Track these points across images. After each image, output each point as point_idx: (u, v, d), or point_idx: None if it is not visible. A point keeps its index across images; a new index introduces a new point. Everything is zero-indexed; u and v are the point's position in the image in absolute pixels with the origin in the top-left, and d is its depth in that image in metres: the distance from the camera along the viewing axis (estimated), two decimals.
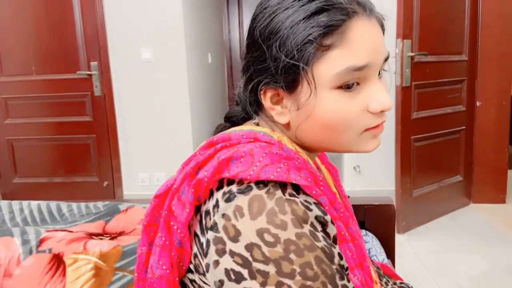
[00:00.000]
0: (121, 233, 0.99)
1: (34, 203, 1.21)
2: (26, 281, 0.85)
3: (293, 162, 0.47)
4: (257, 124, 0.55)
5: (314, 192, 0.45)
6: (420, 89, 2.21)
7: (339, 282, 0.43)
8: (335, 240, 0.46)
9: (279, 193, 0.43)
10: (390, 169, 2.47)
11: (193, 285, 0.50)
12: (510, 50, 2.51)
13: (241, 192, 0.44)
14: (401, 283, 0.79)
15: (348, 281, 0.45)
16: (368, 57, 0.46)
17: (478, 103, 2.54)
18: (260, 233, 0.41)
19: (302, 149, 0.54)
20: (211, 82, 3.48)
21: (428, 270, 1.89)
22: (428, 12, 2.16)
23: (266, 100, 0.51)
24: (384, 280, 0.76)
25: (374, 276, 0.61)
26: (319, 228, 0.44)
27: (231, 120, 0.60)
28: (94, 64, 2.62)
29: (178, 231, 0.48)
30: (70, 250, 0.91)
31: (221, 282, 0.43)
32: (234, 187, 0.45)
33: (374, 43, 0.47)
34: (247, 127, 0.54)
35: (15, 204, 1.19)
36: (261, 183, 0.44)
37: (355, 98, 0.47)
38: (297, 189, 0.45)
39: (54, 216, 1.17)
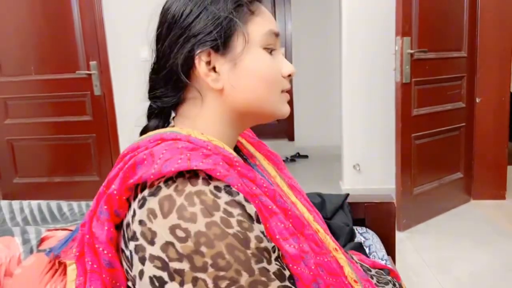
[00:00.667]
0: None
1: (34, 203, 1.21)
2: (27, 281, 0.85)
3: (200, 151, 0.47)
4: (173, 127, 0.56)
5: (218, 174, 0.45)
6: (420, 86, 2.21)
7: (256, 266, 0.43)
8: (257, 218, 0.46)
9: (188, 188, 0.43)
10: (390, 167, 2.47)
11: None
12: (509, 46, 2.50)
13: (152, 194, 0.44)
14: (378, 270, 0.78)
15: (269, 264, 0.44)
16: (277, 28, 0.57)
17: (477, 100, 2.54)
18: (172, 230, 0.42)
19: (231, 124, 0.56)
20: None
21: (429, 267, 1.89)
22: (427, 9, 2.16)
23: (201, 66, 0.53)
24: (374, 271, 0.76)
25: (333, 243, 0.61)
26: (235, 212, 0.44)
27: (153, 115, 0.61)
28: (93, 63, 2.62)
29: (105, 251, 0.47)
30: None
31: None
32: (146, 192, 0.45)
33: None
34: (153, 132, 0.54)
35: (16, 203, 1.19)
36: (170, 180, 0.44)
37: (274, 61, 0.56)
38: (209, 177, 0.45)
39: (54, 215, 1.17)
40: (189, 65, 0.53)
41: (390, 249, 1.24)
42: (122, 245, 0.47)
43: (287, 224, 0.50)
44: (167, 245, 0.41)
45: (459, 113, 2.48)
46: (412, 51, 2.10)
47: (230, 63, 0.53)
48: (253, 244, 0.43)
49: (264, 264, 0.43)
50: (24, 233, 0.94)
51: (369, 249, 1.12)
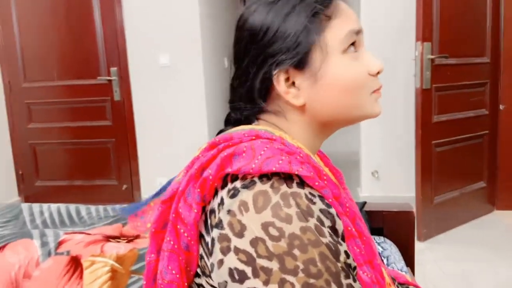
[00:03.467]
0: (137, 236, 1.00)
1: (54, 206, 1.23)
2: (45, 283, 0.86)
3: (295, 156, 0.47)
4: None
5: (316, 183, 0.44)
6: (441, 92, 2.16)
7: (344, 281, 0.42)
8: (343, 237, 0.45)
9: (284, 187, 0.43)
10: (410, 175, 2.41)
11: None
12: None
13: (245, 187, 0.44)
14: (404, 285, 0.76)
15: (355, 281, 0.43)
16: (359, 24, 0.54)
17: (501, 107, 2.47)
18: (265, 226, 0.41)
19: (316, 134, 0.56)
20: (227, 87, 3.49)
21: (449, 279, 1.83)
22: (448, 14, 2.11)
23: (280, 85, 0.52)
24: (397, 284, 0.74)
25: (387, 277, 0.59)
26: (326, 224, 0.43)
27: (231, 123, 0.60)
28: (113, 69, 2.67)
29: (185, 234, 0.47)
30: (87, 252, 0.92)
31: (226, 282, 0.43)
32: (238, 183, 0.45)
33: (355, 14, 0.55)
34: (248, 127, 0.54)
35: (36, 206, 1.21)
36: (265, 177, 0.44)
37: (359, 60, 0.53)
38: (302, 182, 0.45)
39: (73, 218, 1.19)
40: (268, 85, 0.52)
41: (409, 260, 1.21)
42: (203, 231, 0.47)
43: (362, 250, 0.49)
44: (256, 240, 0.41)
45: (482, 120, 2.41)
46: (432, 57, 2.06)
47: (310, 78, 0.51)
48: (342, 258, 0.43)
49: (351, 281, 0.42)
50: (43, 236, 0.96)
51: (388, 260, 1.09)
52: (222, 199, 0.45)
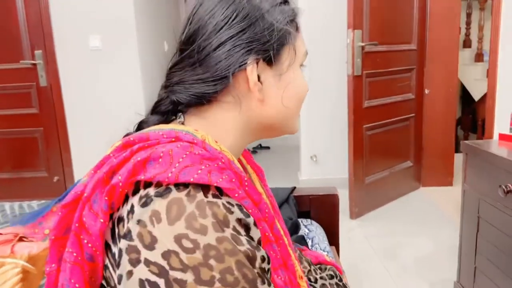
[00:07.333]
0: None
1: None
2: None
3: (216, 163, 0.46)
4: (182, 123, 0.53)
5: (236, 195, 0.44)
6: (371, 78, 2.27)
7: (261, 287, 0.42)
8: (259, 244, 0.46)
9: (200, 195, 0.41)
10: (345, 158, 2.53)
11: None
12: (457, 39, 2.62)
13: (159, 195, 0.41)
14: (328, 268, 0.81)
15: (270, 285, 0.44)
16: None
17: (426, 91, 2.65)
18: (178, 239, 0.40)
19: (248, 135, 0.56)
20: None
21: (376, 254, 1.97)
22: (378, 3, 2.20)
23: (253, 75, 0.51)
24: (313, 268, 0.78)
25: (299, 271, 0.62)
26: (242, 232, 0.43)
27: (160, 113, 0.56)
28: (38, 52, 2.47)
29: (89, 245, 0.45)
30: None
31: None
32: (151, 190, 0.42)
33: None
34: (168, 126, 0.51)
35: None
36: (181, 185, 0.42)
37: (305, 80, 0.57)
38: (220, 190, 0.44)
39: None
40: (237, 70, 0.50)
41: (334, 239, 1.27)
42: (109, 240, 0.44)
43: (278, 254, 0.50)
44: (169, 253, 0.39)
45: (409, 104, 2.57)
46: (363, 44, 2.14)
47: (275, 76, 0.53)
48: (258, 263, 0.43)
49: (266, 286, 0.43)
50: None
51: (312, 241, 1.14)
52: (132, 207, 0.42)
